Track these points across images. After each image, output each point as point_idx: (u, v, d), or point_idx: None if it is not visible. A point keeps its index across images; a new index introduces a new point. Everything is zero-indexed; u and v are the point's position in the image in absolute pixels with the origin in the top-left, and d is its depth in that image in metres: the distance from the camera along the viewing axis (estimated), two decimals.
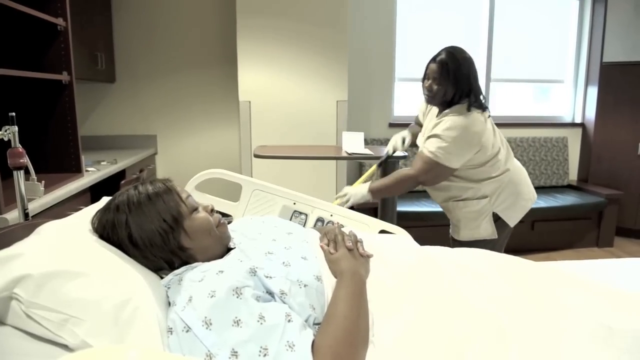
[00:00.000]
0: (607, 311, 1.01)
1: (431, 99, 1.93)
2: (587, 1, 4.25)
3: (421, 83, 1.97)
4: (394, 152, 2.26)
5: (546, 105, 4.50)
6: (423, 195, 3.90)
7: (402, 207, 3.44)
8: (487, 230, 1.97)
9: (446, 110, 1.89)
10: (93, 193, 2.33)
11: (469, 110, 1.85)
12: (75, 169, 2.31)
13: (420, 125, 2.24)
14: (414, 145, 2.25)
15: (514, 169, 2.01)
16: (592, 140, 4.25)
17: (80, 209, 1.27)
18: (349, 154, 2.35)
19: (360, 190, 1.96)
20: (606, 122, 4.17)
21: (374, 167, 2.30)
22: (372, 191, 1.94)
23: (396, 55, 4.01)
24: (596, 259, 2.68)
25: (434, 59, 1.89)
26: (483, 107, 1.89)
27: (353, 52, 3.77)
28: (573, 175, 4.48)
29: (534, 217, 3.66)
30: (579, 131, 4.42)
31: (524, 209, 2.03)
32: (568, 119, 4.47)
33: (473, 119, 1.84)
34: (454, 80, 1.85)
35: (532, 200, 2.07)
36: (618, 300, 1.07)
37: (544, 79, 4.39)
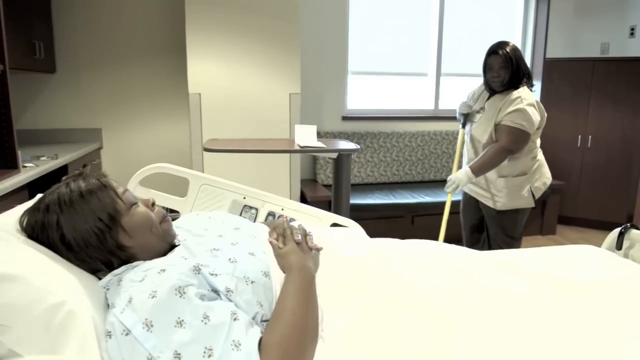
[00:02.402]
0: (547, 298, 1.05)
1: (500, 84, 2.31)
2: (531, 0, 4.41)
3: (483, 75, 2.40)
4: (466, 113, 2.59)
5: None
6: (377, 187, 3.96)
7: (355, 200, 3.46)
8: (524, 200, 2.41)
9: (515, 91, 2.29)
10: (32, 190, 2.20)
11: (530, 90, 2.31)
12: (11, 165, 2.17)
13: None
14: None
15: (540, 150, 2.48)
16: None
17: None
18: (302, 147, 2.33)
19: (463, 173, 2.34)
20: (549, 115, 4.32)
21: (459, 149, 2.64)
22: (473, 170, 2.32)
23: (349, 48, 4.02)
24: (540, 246, 2.80)
25: (494, 52, 2.29)
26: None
27: (305, 45, 3.75)
28: None
29: None
30: None
31: (545, 186, 2.48)
32: None
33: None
34: (517, 65, 2.27)
35: (550, 179, 2.51)
36: (557, 286, 1.11)
37: None
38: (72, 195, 0.93)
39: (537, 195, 2.45)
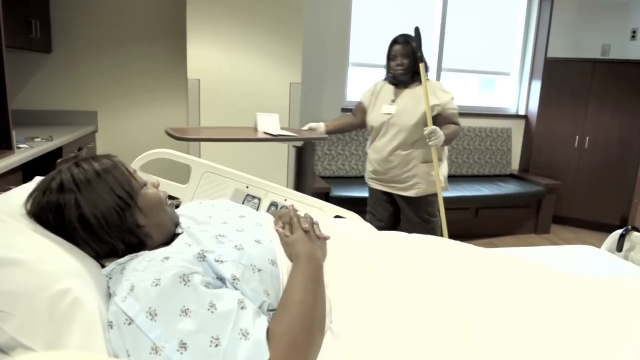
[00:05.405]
0: (551, 299, 1.04)
1: (403, 72, 2.44)
2: None
3: (387, 64, 2.51)
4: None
5: (491, 96, 4.64)
6: None
7: (352, 193, 3.45)
8: (441, 185, 2.50)
9: (433, 82, 2.49)
10: (25, 172, 2.16)
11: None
12: (5, 145, 2.13)
13: (362, 111, 2.66)
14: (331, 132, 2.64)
15: None
16: (534, 132, 4.44)
17: (10, 188, 1.15)
18: (274, 135, 2.24)
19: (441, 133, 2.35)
20: (547, 115, 4.36)
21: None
22: (446, 137, 2.35)
23: (351, 40, 3.98)
24: (534, 245, 2.81)
25: (396, 41, 2.45)
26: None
27: (308, 35, 3.70)
28: (515, 165, 4.67)
29: (478, 204, 3.78)
30: (522, 123, 4.59)
31: (447, 173, 2.60)
32: (512, 111, 4.63)
33: None
34: (415, 52, 2.39)
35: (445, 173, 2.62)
36: (561, 284, 1.10)
37: (491, 71, 4.52)
38: (88, 174, 0.90)
39: (446, 181, 2.60)
